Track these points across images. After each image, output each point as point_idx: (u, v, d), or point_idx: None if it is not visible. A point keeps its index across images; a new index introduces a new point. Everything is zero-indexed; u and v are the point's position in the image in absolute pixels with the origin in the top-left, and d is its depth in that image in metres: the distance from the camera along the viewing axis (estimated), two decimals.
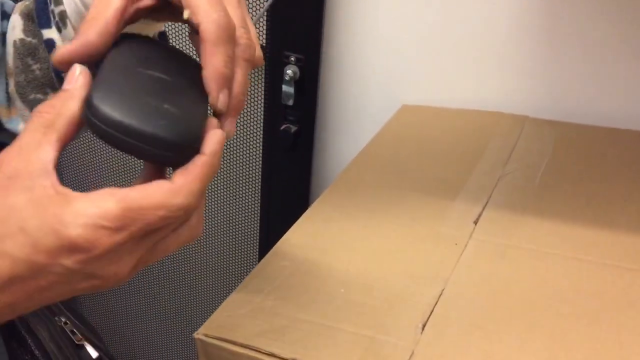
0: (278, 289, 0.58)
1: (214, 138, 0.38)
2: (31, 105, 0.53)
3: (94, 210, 0.33)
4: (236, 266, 1.37)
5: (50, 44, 0.51)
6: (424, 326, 0.53)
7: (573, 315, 0.53)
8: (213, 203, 1.30)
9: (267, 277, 0.60)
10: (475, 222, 0.67)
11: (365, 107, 1.06)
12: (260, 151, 1.17)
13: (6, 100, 0.54)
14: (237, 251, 1.34)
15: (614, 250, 0.62)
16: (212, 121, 0.39)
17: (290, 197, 1.14)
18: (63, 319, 0.68)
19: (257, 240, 1.27)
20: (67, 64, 0.38)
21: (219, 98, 0.39)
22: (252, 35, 0.41)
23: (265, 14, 1.03)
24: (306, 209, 0.72)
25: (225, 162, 1.24)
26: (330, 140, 1.11)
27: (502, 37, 0.93)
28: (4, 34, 0.53)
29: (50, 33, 0.51)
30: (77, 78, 0.37)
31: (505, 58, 0.94)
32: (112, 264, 0.34)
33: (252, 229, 1.29)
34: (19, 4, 0.54)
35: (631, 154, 0.80)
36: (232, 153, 1.22)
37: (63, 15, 0.50)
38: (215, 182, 1.27)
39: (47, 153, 0.34)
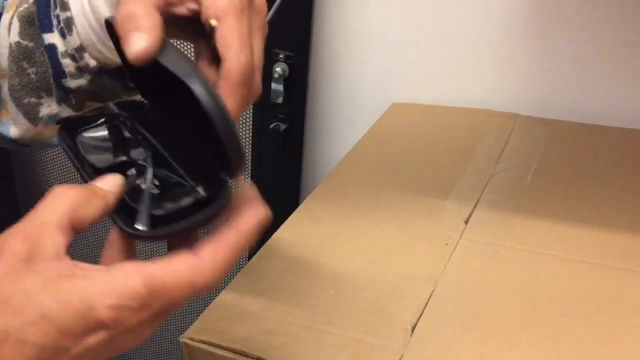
0: (266, 290, 0.57)
1: (252, 218, 0.37)
2: (25, 109, 0.52)
3: (120, 291, 0.32)
4: None
5: (51, 49, 0.50)
6: (413, 328, 0.52)
7: (565, 316, 0.53)
8: None
9: (254, 278, 0.59)
10: (466, 222, 0.66)
11: (355, 105, 1.05)
12: (250, 149, 1.16)
13: None
14: None
15: (606, 249, 0.61)
16: (253, 195, 0.38)
17: (280, 196, 1.13)
18: None
19: None
20: (147, 61, 0.36)
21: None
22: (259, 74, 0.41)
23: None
24: (296, 207, 0.71)
25: None
26: (320, 138, 1.10)
27: (493, 35, 0.93)
28: None
29: (52, 38, 0.50)
30: (114, 186, 0.38)
31: (496, 56, 0.94)
32: (134, 336, 0.34)
33: None
34: (15, 3, 0.52)
35: (623, 152, 0.80)
36: None
37: (69, 22, 0.49)
38: None
39: (58, 238, 0.34)
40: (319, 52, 1.03)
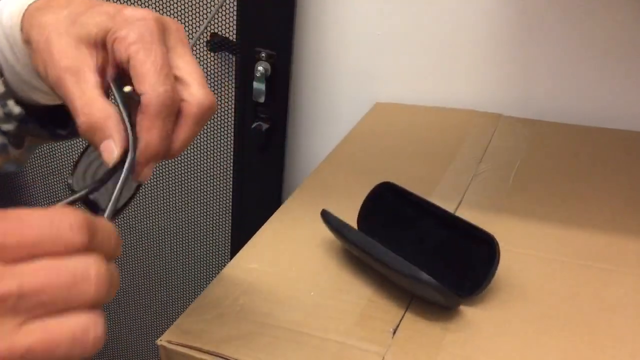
0: (246, 292, 0.56)
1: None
2: None
3: None
4: (207, 268, 1.34)
5: None
6: (395, 331, 0.51)
7: (544, 316, 0.53)
8: (183, 203, 1.28)
9: (234, 280, 0.58)
10: None
11: (338, 104, 1.04)
12: (232, 150, 1.14)
13: None
14: (207, 252, 1.32)
15: (587, 249, 0.61)
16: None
17: (262, 196, 1.12)
18: None
19: (229, 240, 1.25)
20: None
21: (144, 173, 0.39)
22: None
23: (236, 9, 1.01)
24: (278, 208, 0.70)
25: (195, 161, 1.21)
26: (303, 138, 1.09)
27: (476, 36, 0.92)
28: None
29: None
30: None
31: (478, 56, 0.94)
32: None
33: (224, 229, 1.27)
34: None
35: (604, 152, 0.80)
36: (202, 152, 1.20)
37: None
38: (186, 181, 1.24)
39: None
40: (302, 51, 1.02)
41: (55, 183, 1.39)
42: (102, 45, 0.39)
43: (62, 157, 1.35)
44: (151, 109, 0.37)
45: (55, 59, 0.38)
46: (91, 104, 0.38)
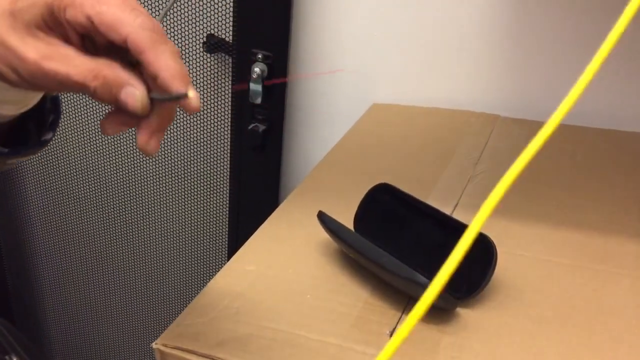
0: (242, 295, 0.56)
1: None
2: None
3: None
4: (203, 270, 1.34)
5: None
6: (391, 333, 0.51)
7: (543, 318, 0.52)
8: (180, 204, 1.28)
9: (230, 282, 0.58)
10: None
11: (335, 105, 1.04)
12: (229, 151, 1.14)
13: None
14: (204, 253, 1.31)
15: (582, 251, 0.61)
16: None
17: (259, 198, 1.11)
18: (15, 358, 0.64)
19: (226, 242, 1.24)
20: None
21: (191, 95, 0.37)
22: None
23: (232, 9, 1.01)
24: (275, 209, 0.70)
25: (193, 162, 1.21)
26: (300, 139, 1.09)
27: (473, 37, 0.92)
28: None
29: None
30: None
31: (476, 57, 0.93)
32: None
33: (221, 230, 1.26)
34: None
35: (601, 152, 0.80)
36: (199, 153, 1.19)
37: None
38: (183, 183, 1.24)
39: None
40: (298, 52, 1.02)
41: (52, 181, 1.39)
42: (53, 21, 0.37)
43: (59, 156, 1.34)
44: (146, 42, 0.36)
45: (21, 57, 0.36)
46: (88, 67, 0.36)
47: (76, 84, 0.36)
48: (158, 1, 1.09)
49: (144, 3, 1.09)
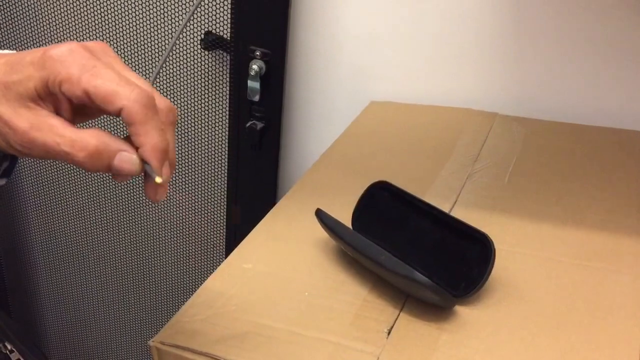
0: (239, 292, 0.56)
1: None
2: None
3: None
4: (201, 267, 1.34)
5: None
6: (389, 331, 0.51)
7: (542, 316, 0.52)
8: (178, 201, 1.27)
9: (228, 280, 0.58)
10: None
11: (333, 103, 1.04)
12: (226, 148, 1.14)
13: None
14: (201, 251, 1.31)
15: (584, 249, 0.61)
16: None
17: (256, 195, 1.11)
18: (9, 346, 0.64)
19: (223, 240, 1.24)
20: None
21: (163, 173, 0.39)
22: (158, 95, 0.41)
23: (231, 11, 1.01)
24: (273, 206, 0.69)
25: (190, 160, 1.21)
26: (298, 137, 1.09)
27: (471, 34, 0.92)
28: None
29: None
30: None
31: (474, 55, 0.93)
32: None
33: (218, 228, 1.26)
34: None
35: (600, 151, 0.80)
36: (197, 151, 1.19)
37: None
38: (181, 181, 1.24)
39: None
40: (296, 49, 1.02)
41: (50, 179, 1.38)
42: (46, 94, 0.38)
43: (56, 168, 1.34)
44: (137, 116, 0.37)
45: (13, 127, 0.37)
46: (77, 138, 0.37)
47: (62, 153, 0.38)
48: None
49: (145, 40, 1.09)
